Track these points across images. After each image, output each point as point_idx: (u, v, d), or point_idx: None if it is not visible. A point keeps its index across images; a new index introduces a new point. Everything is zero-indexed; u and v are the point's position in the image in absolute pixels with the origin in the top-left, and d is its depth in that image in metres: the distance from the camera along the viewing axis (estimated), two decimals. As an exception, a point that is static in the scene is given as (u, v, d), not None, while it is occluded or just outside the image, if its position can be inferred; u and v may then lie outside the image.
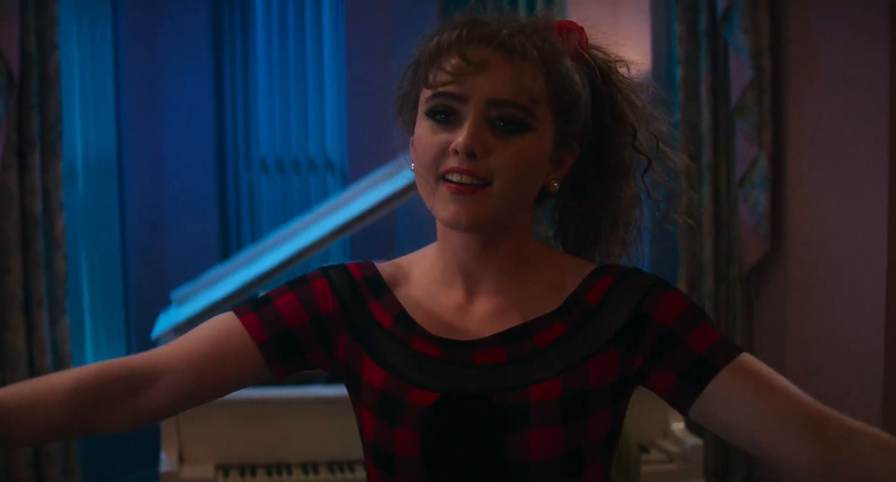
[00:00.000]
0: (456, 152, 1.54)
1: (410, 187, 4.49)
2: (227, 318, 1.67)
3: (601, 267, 1.67)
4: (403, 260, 1.75)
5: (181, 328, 4.42)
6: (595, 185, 1.70)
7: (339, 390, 4.14)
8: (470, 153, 1.53)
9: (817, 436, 1.47)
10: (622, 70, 1.69)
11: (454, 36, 1.56)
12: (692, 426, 4.72)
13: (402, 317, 1.67)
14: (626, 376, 1.61)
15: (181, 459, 4.10)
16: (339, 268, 1.72)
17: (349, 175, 5.76)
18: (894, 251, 4.69)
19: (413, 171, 1.64)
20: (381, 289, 1.70)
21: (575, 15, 5.45)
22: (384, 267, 1.72)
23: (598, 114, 1.66)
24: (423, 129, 1.59)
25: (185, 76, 5.76)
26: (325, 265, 1.73)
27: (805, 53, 4.84)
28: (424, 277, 1.70)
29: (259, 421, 4.13)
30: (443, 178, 1.56)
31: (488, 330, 1.63)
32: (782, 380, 1.52)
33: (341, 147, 5.87)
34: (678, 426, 4.34)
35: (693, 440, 4.27)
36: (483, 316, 1.65)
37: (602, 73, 1.65)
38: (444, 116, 1.56)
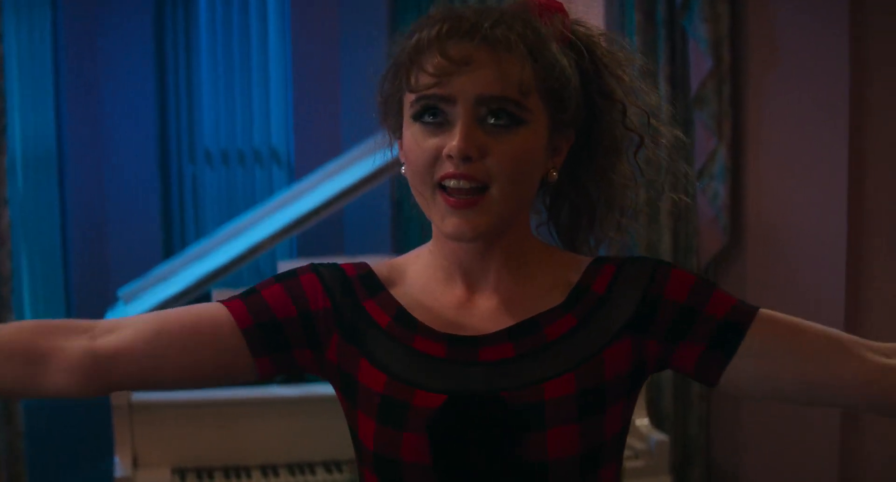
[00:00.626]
0: (450, 157, 1.48)
1: (361, 183, 4.44)
2: (209, 303, 1.61)
3: (599, 257, 1.65)
4: (396, 260, 1.68)
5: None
6: (587, 168, 1.64)
7: (299, 390, 4.10)
8: (465, 157, 1.47)
9: (861, 349, 1.55)
10: (605, 44, 1.64)
11: (433, 33, 1.49)
12: (656, 421, 4.69)
13: (402, 315, 1.60)
14: (641, 364, 1.57)
15: (135, 463, 3.97)
16: (331, 265, 1.65)
17: (296, 167, 5.67)
18: (854, 245, 4.68)
19: (405, 175, 1.58)
20: (376, 287, 1.63)
21: None
22: (378, 266, 1.66)
23: (586, 93, 1.60)
24: (412, 134, 1.53)
25: (127, 66, 5.63)
26: (314, 262, 1.66)
27: (765, 42, 4.80)
28: (420, 276, 1.64)
29: (216, 422, 4.02)
30: (439, 185, 1.51)
31: (493, 326, 1.58)
32: (805, 321, 1.57)
33: (287, 138, 5.78)
34: (642, 422, 4.30)
35: (658, 436, 4.23)
36: (486, 312, 1.59)
37: (587, 49, 1.60)
38: (432, 119, 1.51)
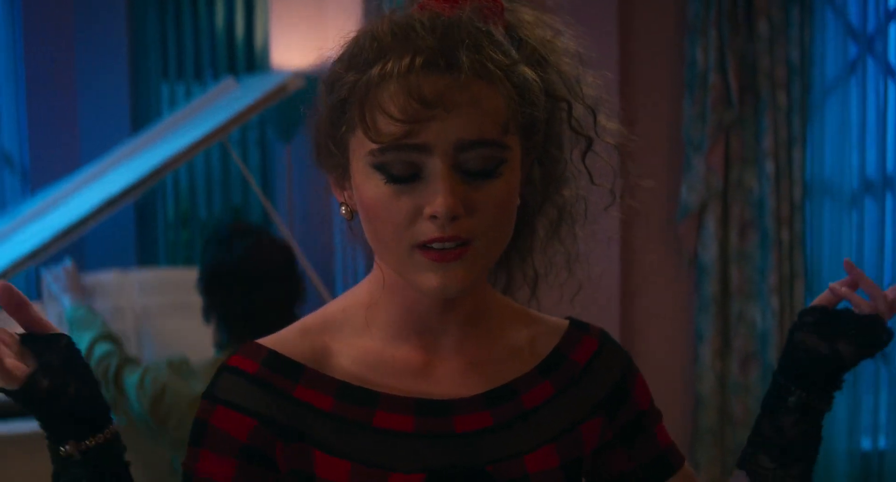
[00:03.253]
0: (433, 217, 1.27)
1: (119, 197, 4.11)
2: None
3: (575, 323, 1.52)
4: (311, 323, 1.43)
5: None
6: (530, 182, 1.42)
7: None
8: (452, 217, 1.27)
9: None
10: (540, 30, 1.41)
11: (402, 66, 1.26)
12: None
13: (348, 391, 1.37)
14: (600, 447, 1.48)
15: None
16: (225, 378, 1.37)
17: (31, 171, 5.27)
18: (626, 240, 4.73)
19: (344, 218, 1.38)
20: (292, 367, 1.37)
21: (279, 12, 5.23)
22: (280, 341, 1.40)
23: None
24: (375, 188, 1.29)
25: None
26: (206, 389, 1.38)
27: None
28: (360, 337, 1.41)
29: None
30: (418, 246, 1.29)
31: (464, 391, 1.40)
32: None
33: (20, 139, 5.31)
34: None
35: None
36: (451, 376, 1.41)
37: (524, 41, 1.38)
38: (401, 172, 1.28)
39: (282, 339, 1.40)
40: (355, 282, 5.06)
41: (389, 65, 1.26)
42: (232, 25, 5.49)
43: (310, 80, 4.62)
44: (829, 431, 4.85)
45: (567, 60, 1.41)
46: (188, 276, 4.13)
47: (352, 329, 1.41)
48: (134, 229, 5.39)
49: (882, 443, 4.94)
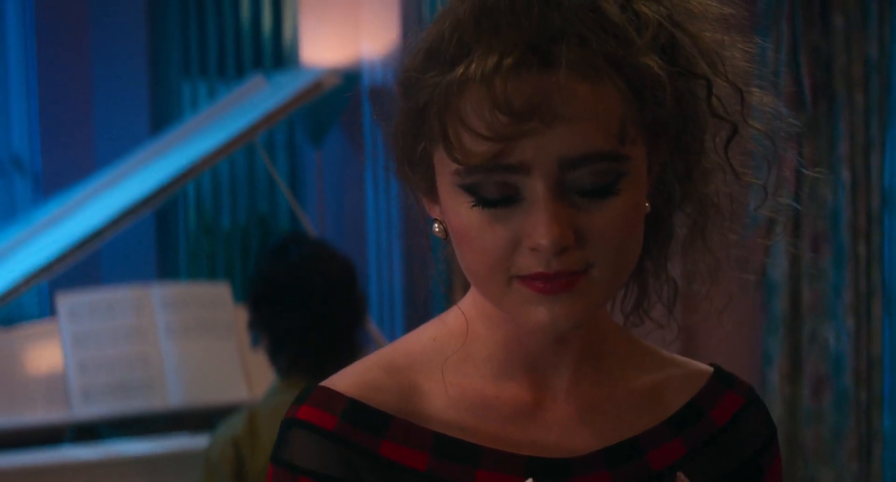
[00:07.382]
0: (535, 250, 1.07)
1: (141, 204, 3.90)
2: None
3: (720, 373, 1.28)
4: (396, 360, 1.21)
5: None
6: (664, 183, 1.19)
7: (96, 452, 3.55)
8: (559, 251, 1.05)
9: None
10: None
11: (488, 67, 1.03)
12: None
13: (446, 445, 1.16)
14: None
15: None
16: (298, 437, 1.17)
17: (44, 176, 5.10)
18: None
19: (441, 240, 1.18)
20: (377, 418, 1.16)
21: (310, 4, 5.01)
22: (361, 383, 1.18)
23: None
24: (465, 212, 1.10)
25: None
26: (275, 450, 1.18)
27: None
28: (454, 376, 1.20)
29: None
30: (518, 278, 1.09)
31: (581, 444, 1.19)
32: None
33: (32, 144, 5.17)
34: None
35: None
36: (564, 424, 1.20)
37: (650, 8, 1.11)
38: (495, 196, 1.08)
39: (362, 381, 1.19)
40: (391, 301, 4.90)
41: (473, 67, 1.04)
42: (258, 19, 5.39)
43: (347, 78, 4.44)
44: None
45: (707, 26, 1.14)
46: (212, 291, 4.08)
47: (446, 363, 1.21)
48: (154, 239, 5.26)
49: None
